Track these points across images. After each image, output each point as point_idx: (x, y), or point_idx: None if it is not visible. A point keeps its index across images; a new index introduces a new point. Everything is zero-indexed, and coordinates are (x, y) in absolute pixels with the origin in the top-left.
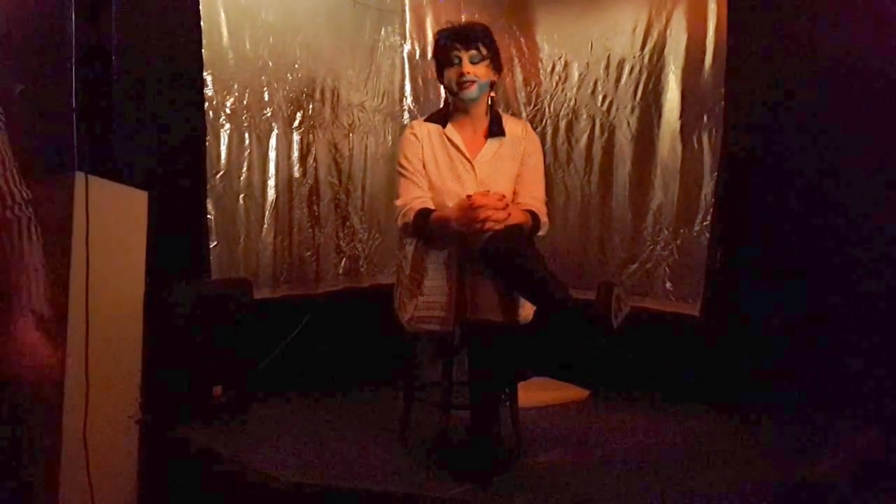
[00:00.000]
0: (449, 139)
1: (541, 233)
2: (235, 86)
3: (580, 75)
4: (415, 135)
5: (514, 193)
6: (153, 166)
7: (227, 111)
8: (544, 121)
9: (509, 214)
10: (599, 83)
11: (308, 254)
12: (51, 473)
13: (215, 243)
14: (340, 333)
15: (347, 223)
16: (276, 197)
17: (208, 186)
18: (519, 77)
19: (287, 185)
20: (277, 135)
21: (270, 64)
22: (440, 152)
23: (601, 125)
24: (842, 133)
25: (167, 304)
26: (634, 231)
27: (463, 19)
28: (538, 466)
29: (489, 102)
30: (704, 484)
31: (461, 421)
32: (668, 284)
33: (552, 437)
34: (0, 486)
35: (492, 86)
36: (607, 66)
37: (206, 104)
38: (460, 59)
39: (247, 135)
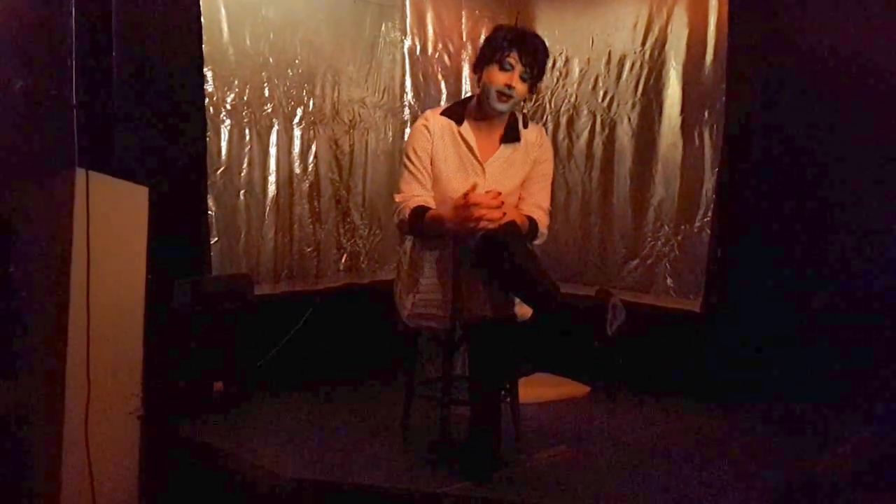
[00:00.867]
0: (463, 138)
1: (537, 242)
2: (236, 82)
3: (581, 71)
4: (427, 127)
5: (520, 199)
6: (154, 162)
7: (228, 107)
8: (545, 117)
9: (504, 214)
10: (600, 79)
11: (309, 250)
12: (52, 468)
13: (216, 239)
14: (341, 329)
15: (348, 219)
16: (277, 193)
17: (209, 182)
18: None
19: (288, 181)
20: (278, 131)
21: (271, 60)
22: (451, 150)
23: (602, 121)
24: (843, 129)
25: (168, 300)
26: (635, 227)
27: (464, 14)
28: (538, 462)
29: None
30: (704, 480)
31: (462, 417)
32: (668, 280)
33: (552, 432)
34: (1, 482)
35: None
36: (608, 62)
37: (207, 100)
38: (512, 68)
39: (247, 131)
